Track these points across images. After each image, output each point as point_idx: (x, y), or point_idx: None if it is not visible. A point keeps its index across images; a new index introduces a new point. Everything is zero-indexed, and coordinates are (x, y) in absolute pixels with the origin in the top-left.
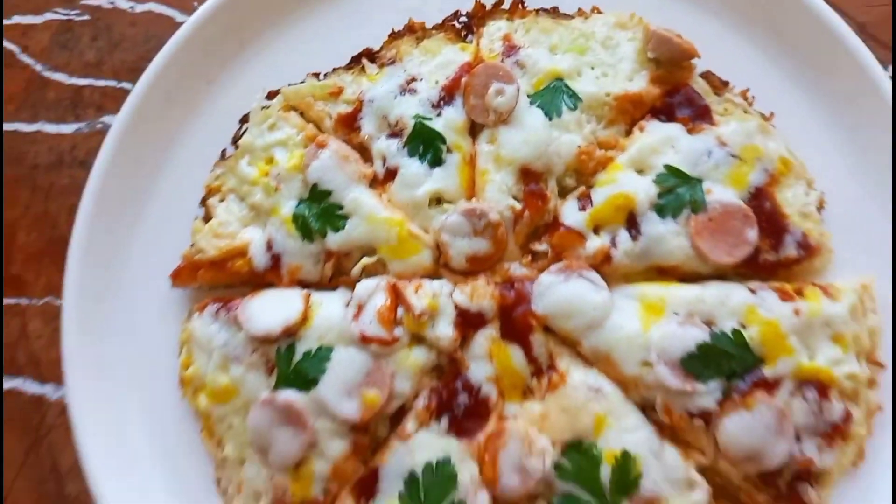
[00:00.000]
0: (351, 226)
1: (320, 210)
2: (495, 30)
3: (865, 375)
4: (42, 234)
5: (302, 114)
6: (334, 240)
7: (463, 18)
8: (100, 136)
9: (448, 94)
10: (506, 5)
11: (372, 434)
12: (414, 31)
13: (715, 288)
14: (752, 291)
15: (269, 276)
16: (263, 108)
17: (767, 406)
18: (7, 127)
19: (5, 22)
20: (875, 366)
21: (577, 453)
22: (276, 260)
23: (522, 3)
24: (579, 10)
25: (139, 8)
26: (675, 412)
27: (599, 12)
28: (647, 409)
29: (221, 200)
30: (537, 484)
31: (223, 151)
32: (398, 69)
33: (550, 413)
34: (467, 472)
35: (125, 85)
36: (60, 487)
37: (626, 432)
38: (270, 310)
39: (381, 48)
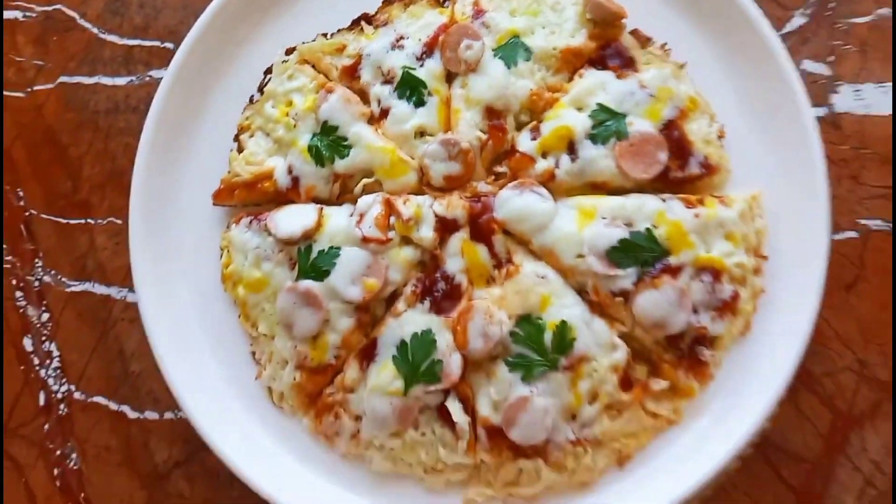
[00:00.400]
0: (353, 154)
1: (329, 142)
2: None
3: (752, 265)
4: (104, 168)
5: (314, 66)
6: (341, 165)
7: None
8: (148, 87)
9: (429, 49)
10: None
11: (371, 313)
12: None
13: (634, 198)
14: (663, 200)
15: (290, 195)
16: (283, 62)
17: (672, 286)
18: (71, 80)
19: None
20: (760, 258)
21: (527, 324)
22: (295, 182)
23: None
24: None
25: None
26: (601, 292)
27: None
28: (580, 290)
29: (251, 136)
30: (496, 346)
31: (251, 97)
32: (389, 30)
33: (507, 295)
34: (444, 339)
35: (168, 45)
36: (125, 367)
37: (564, 308)
38: (292, 219)
39: (376, 13)
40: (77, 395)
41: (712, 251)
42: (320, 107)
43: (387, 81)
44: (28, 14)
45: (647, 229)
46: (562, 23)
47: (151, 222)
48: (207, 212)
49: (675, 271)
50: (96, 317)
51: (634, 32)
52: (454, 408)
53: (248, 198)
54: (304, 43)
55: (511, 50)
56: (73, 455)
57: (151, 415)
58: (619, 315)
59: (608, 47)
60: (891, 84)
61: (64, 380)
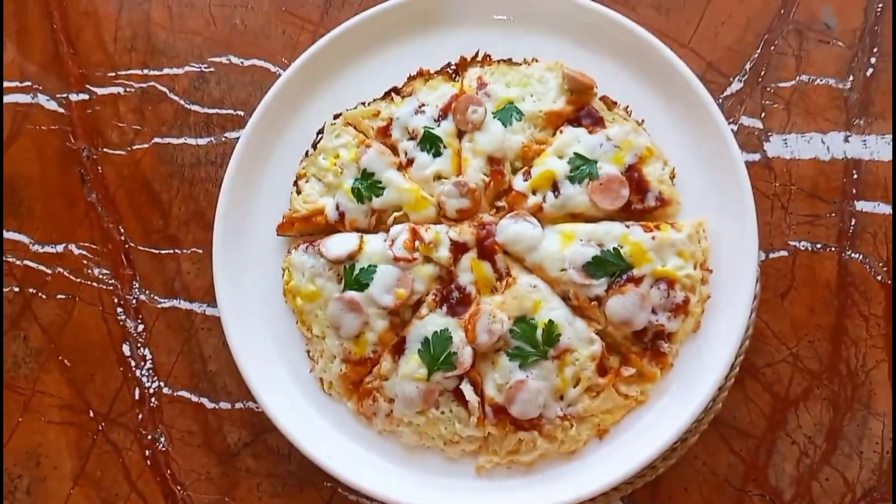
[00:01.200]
0: (386, 193)
1: (368, 185)
2: (472, 74)
3: (699, 276)
4: (188, 209)
5: (355, 127)
6: (377, 202)
7: (453, 66)
8: (224, 146)
9: (444, 113)
10: (479, 58)
11: (401, 316)
12: (423, 75)
13: (604, 225)
14: (627, 226)
15: (337, 226)
16: (332, 124)
17: (635, 292)
18: (163, 141)
19: (162, 72)
20: (705, 271)
21: (523, 323)
22: (342, 216)
23: (489, 57)
24: (524, 59)
25: (247, 62)
26: (580, 297)
27: (537, 61)
28: (564, 297)
29: (307, 181)
30: (499, 340)
31: (307, 151)
32: (413, 99)
33: (507, 300)
34: (458, 336)
35: (239, 112)
36: (205, 367)
37: (551, 310)
38: (339, 245)
39: (403, 86)
40: (165, 391)
41: (667, 265)
42: (361, 158)
43: (412, 138)
44: (128, 89)
45: (615, 248)
46: (546, 92)
47: (229, 251)
48: (272, 241)
49: (637, 281)
50: (181, 327)
51: (603, 98)
52: (467, 390)
53: (305, 229)
54: (347, 109)
55: (507, 113)
56: (162, 439)
57: (225, 405)
58: (594, 316)
59: (582, 110)
60: (813, 133)
61: (155, 378)
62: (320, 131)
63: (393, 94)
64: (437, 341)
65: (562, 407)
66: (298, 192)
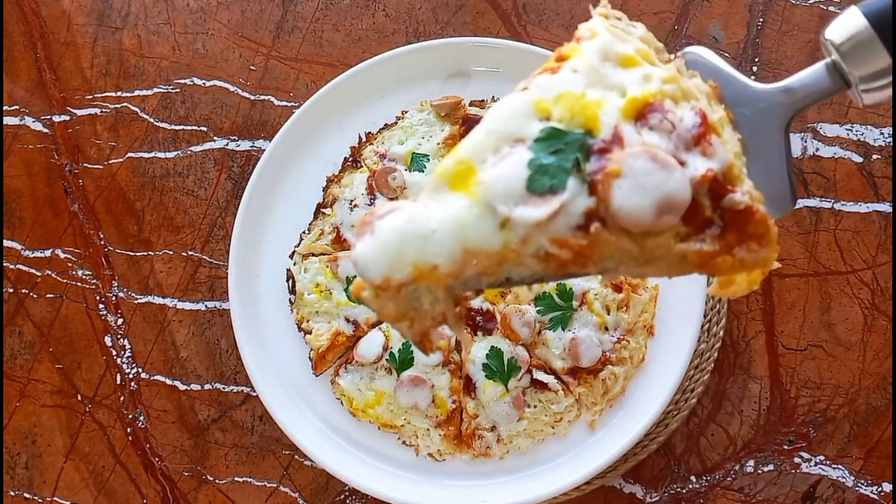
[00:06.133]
0: None
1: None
2: (369, 153)
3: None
4: (159, 215)
5: (312, 254)
6: None
7: (350, 158)
8: (189, 158)
9: (371, 195)
10: (365, 140)
11: (454, 361)
12: (332, 181)
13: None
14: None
15: (358, 333)
16: (294, 264)
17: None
18: (136, 155)
19: (133, 93)
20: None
21: (541, 299)
22: (356, 324)
23: (370, 133)
24: (396, 117)
25: (208, 83)
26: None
27: (405, 112)
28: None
29: (308, 322)
30: (535, 324)
31: (290, 299)
32: (342, 202)
33: (518, 294)
34: (503, 345)
35: (202, 128)
36: (178, 354)
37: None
38: (370, 346)
39: (325, 200)
40: (143, 375)
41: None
42: (337, 272)
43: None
44: (104, 110)
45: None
46: (430, 128)
47: (242, 277)
48: (282, 266)
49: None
50: (156, 319)
51: (473, 102)
52: (540, 375)
53: (335, 355)
54: (295, 250)
55: (417, 162)
56: (141, 417)
57: (195, 387)
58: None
59: (466, 122)
60: None
61: (134, 364)
62: (290, 277)
63: (322, 210)
64: (494, 359)
65: (612, 334)
66: (308, 333)
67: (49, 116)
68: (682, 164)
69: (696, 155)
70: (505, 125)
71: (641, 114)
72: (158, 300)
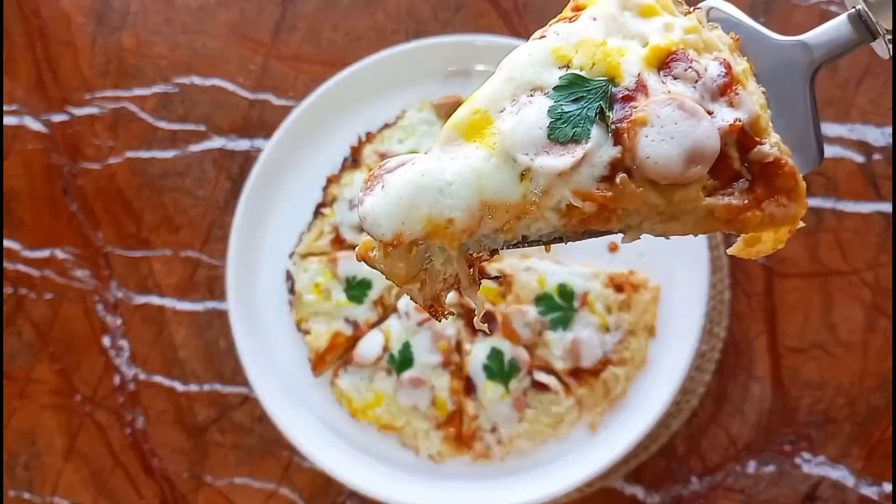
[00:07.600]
0: (376, 282)
1: (357, 286)
2: (369, 152)
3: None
4: (158, 215)
5: (311, 254)
6: (373, 294)
7: (350, 159)
8: (188, 157)
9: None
10: (364, 139)
11: (454, 362)
12: (332, 180)
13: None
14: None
15: (357, 334)
16: (294, 265)
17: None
18: (134, 154)
19: (132, 93)
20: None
21: (542, 300)
22: (354, 324)
23: (369, 133)
24: (395, 117)
25: (207, 82)
26: None
27: (405, 112)
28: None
29: (307, 323)
30: (536, 324)
31: (289, 300)
32: (342, 201)
33: (518, 294)
34: (505, 345)
35: (201, 127)
36: (176, 354)
37: (553, 276)
38: (370, 347)
39: (325, 199)
40: (142, 376)
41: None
42: (336, 271)
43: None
44: (103, 109)
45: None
46: (430, 126)
47: (241, 276)
48: (281, 265)
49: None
50: (154, 320)
51: None
52: (541, 377)
53: (335, 356)
54: (297, 247)
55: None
56: (140, 418)
57: (194, 387)
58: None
59: None
60: None
61: (132, 365)
62: (289, 278)
63: (321, 210)
64: (494, 361)
65: (613, 335)
66: (308, 333)
67: (48, 116)
68: (710, 113)
69: (723, 105)
70: (523, 73)
71: (665, 63)
72: (157, 301)
